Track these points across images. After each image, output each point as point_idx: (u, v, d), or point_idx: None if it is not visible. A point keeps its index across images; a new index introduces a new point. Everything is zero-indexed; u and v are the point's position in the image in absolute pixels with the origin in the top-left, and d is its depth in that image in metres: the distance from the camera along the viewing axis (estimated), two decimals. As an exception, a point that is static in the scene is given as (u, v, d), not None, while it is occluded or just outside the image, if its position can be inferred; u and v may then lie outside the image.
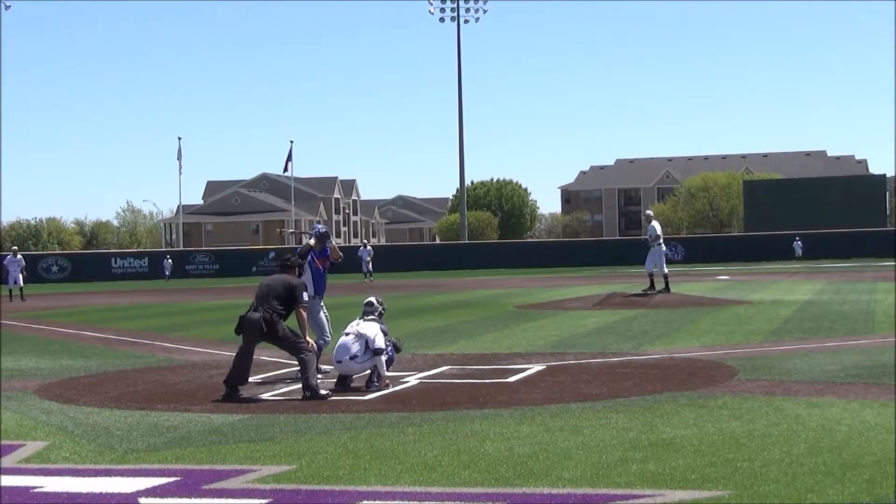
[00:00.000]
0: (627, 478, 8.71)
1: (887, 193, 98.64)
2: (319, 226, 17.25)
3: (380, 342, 14.44)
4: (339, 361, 14.46)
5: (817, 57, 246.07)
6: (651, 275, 33.54)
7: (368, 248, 64.24)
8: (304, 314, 14.78)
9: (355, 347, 14.39)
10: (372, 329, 14.60)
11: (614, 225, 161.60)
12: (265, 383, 15.45)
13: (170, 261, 73.26)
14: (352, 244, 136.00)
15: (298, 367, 14.36)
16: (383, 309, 15.44)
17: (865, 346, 18.12)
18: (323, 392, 13.83)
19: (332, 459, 9.75)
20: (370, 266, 61.30)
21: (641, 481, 8.57)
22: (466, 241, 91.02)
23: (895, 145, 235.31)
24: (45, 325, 29.53)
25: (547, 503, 7.97)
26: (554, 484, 8.57)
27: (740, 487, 8.24)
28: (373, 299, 15.41)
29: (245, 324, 14.41)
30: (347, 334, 14.66)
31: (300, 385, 14.03)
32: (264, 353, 19.46)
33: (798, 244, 70.98)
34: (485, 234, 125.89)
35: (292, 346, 14.41)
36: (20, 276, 45.22)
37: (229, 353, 18.20)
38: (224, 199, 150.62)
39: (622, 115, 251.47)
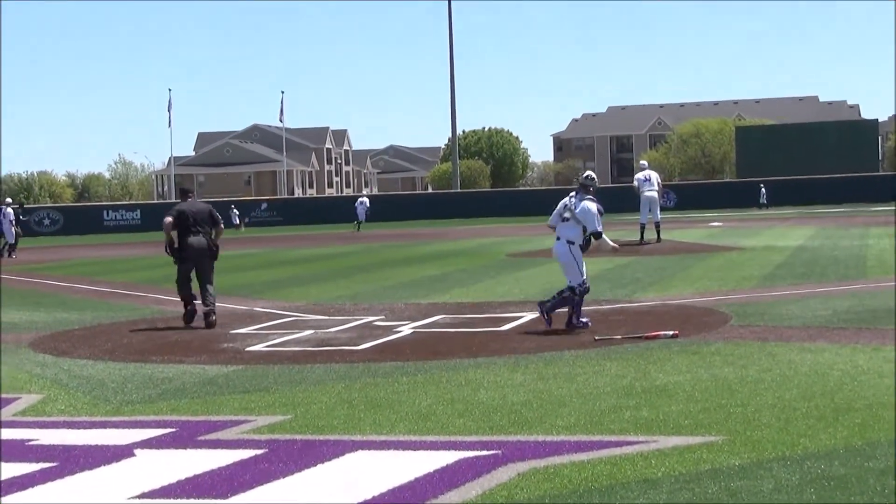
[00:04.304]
0: (621, 424, 8.75)
1: (879, 138, 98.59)
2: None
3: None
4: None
5: (810, 2, 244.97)
6: (642, 225, 33.55)
7: (363, 201, 64.39)
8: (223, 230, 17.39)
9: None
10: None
11: (606, 172, 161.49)
12: (259, 334, 15.44)
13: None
14: (344, 194, 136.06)
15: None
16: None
17: (857, 290, 18.17)
18: None
19: (327, 409, 9.79)
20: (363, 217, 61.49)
21: (635, 428, 8.61)
22: (459, 190, 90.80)
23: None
24: (38, 278, 29.51)
25: (541, 450, 8.00)
26: (548, 431, 8.61)
27: (733, 433, 8.29)
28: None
29: (195, 248, 16.63)
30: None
31: (297, 336, 14.07)
32: (258, 304, 19.53)
33: (762, 191, 70.83)
34: (477, 182, 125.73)
35: (212, 267, 16.97)
36: (12, 230, 44.09)
37: (222, 305, 18.25)
38: (215, 150, 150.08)
39: (614, 62, 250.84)
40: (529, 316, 16.20)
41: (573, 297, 14.62)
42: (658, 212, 33.54)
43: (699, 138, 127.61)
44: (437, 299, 19.44)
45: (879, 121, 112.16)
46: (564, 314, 14.68)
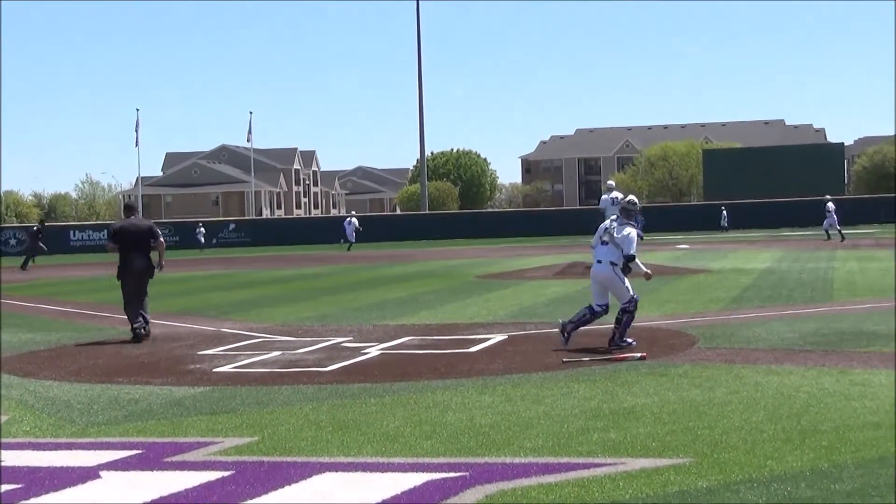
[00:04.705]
0: (589, 446, 8.76)
1: (845, 162, 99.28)
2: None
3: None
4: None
5: (775, 26, 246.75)
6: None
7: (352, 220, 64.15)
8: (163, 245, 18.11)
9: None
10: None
11: (574, 194, 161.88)
12: (226, 355, 15.38)
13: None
14: (312, 215, 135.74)
15: None
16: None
17: (824, 313, 18.27)
18: None
19: (294, 431, 9.75)
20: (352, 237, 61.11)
21: (603, 450, 8.61)
22: (427, 212, 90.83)
23: None
24: (4, 298, 29.31)
25: (509, 473, 8.00)
26: (516, 453, 8.60)
27: (700, 455, 8.31)
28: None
29: (133, 267, 17.49)
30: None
31: (264, 357, 14.08)
32: (225, 325, 19.46)
33: (724, 214, 71.21)
34: (445, 204, 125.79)
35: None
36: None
37: (189, 326, 18.19)
38: (183, 170, 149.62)
39: (582, 84, 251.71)
40: (498, 338, 16.21)
41: (593, 318, 15.07)
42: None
43: (667, 161, 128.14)
44: (406, 321, 19.42)
45: (845, 144, 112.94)
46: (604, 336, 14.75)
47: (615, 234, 14.78)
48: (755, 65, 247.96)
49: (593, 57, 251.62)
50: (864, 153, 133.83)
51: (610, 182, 36.94)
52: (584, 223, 73.70)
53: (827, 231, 50.76)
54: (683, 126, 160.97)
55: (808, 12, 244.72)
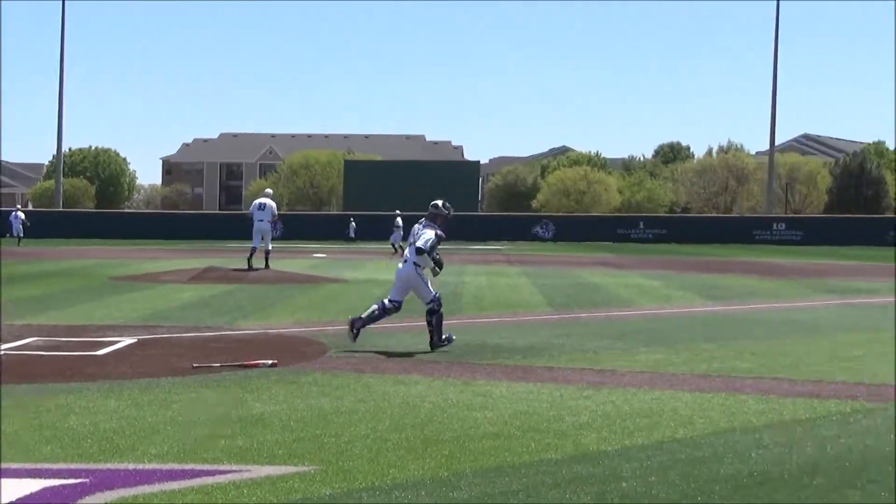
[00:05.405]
0: (215, 453, 8.70)
1: (480, 179, 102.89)
2: None
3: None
4: None
5: (415, 47, 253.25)
6: (251, 251, 33.95)
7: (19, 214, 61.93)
8: None
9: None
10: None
11: (215, 199, 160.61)
12: None
13: None
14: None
15: None
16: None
17: (453, 325, 18.80)
18: None
19: None
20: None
21: (229, 457, 8.58)
22: (61, 209, 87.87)
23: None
24: None
25: (131, 479, 7.84)
26: (140, 459, 8.45)
27: (326, 462, 8.40)
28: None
29: None
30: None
31: None
32: None
33: (352, 225, 72.65)
34: (80, 202, 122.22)
35: None
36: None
37: None
38: None
39: (228, 88, 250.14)
40: (128, 340, 15.86)
41: (383, 314, 15.76)
42: (269, 241, 34.00)
43: (309, 170, 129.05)
44: (31, 321, 18.69)
45: (481, 162, 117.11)
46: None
47: (417, 235, 15.63)
48: (400, 81, 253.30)
49: (237, 60, 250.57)
50: (499, 172, 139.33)
51: (268, 190, 37.04)
52: (223, 228, 73.58)
53: (394, 245, 52.57)
54: (327, 136, 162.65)
55: (451, 40, 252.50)
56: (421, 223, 15.90)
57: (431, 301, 15.57)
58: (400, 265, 15.99)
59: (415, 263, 15.63)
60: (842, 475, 8.32)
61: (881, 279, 35.13)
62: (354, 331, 15.53)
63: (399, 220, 53.68)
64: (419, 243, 15.47)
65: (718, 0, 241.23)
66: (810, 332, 18.41)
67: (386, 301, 15.84)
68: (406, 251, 16.01)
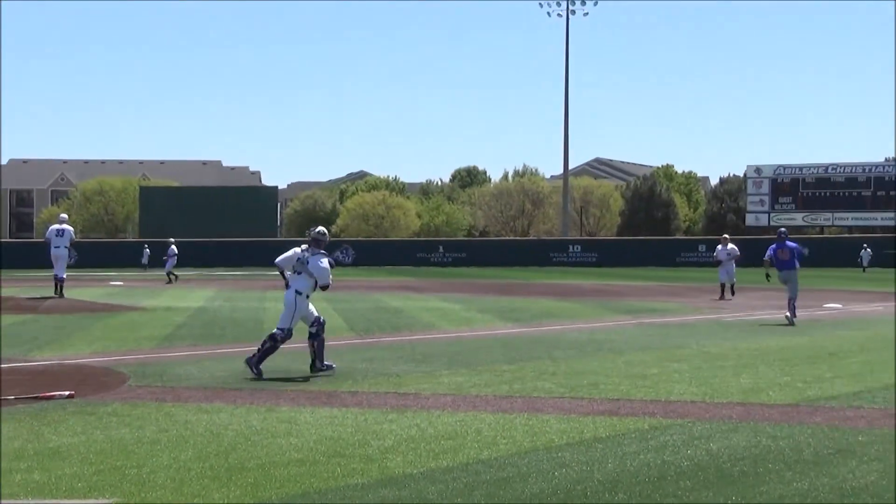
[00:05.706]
0: (11, 488, 8.44)
1: (279, 205, 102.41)
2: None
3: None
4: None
5: (210, 71, 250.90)
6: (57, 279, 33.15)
7: None
8: None
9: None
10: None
11: (5, 226, 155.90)
12: None
13: None
14: None
15: None
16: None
17: (253, 351, 18.64)
18: None
19: None
20: None
21: (26, 491, 8.34)
22: None
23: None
24: None
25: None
26: (-70, 498, 8.14)
27: (128, 494, 8.24)
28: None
29: None
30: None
31: None
32: None
33: (146, 252, 71.14)
34: None
35: None
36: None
37: None
38: None
39: (15, 113, 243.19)
40: (-86, 375, 15.23)
41: (274, 344, 15.63)
42: (63, 269, 33.16)
43: (103, 196, 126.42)
44: None
45: (279, 188, 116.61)
46: None
47: (308, 265, 15.71)
48: (196, 106, 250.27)
49: (25, 85, 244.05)
50: (297, 197, 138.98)
51: (62, 215, 36.09)
52: (12, 257, 71.35)
53: (168, 274, 51.80)
54: (121, 162, 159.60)
55: (246, 65, 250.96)
56: (305, 249, 15.92)
57: (313, 324, 15.79)
58: (286, 291, 16.06)
59: (297, 291, 15.78)
60: (642, 490, 8.55)
61: (673, 299, 36.27)
62: (255, 370, 15.29)
63: (174, 247, 52.95)
64: (324, 281, 15.80)
65: (510, 30, 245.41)
66: (607, 352, 18.87)
67: (276, 330, 15.83)
68: (290, 280, 16.00)
